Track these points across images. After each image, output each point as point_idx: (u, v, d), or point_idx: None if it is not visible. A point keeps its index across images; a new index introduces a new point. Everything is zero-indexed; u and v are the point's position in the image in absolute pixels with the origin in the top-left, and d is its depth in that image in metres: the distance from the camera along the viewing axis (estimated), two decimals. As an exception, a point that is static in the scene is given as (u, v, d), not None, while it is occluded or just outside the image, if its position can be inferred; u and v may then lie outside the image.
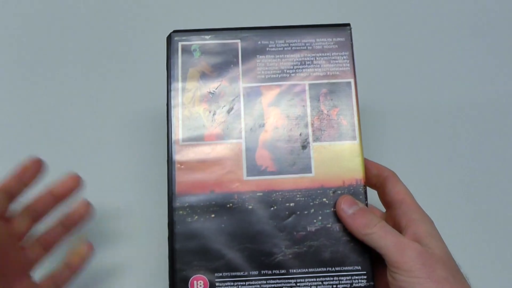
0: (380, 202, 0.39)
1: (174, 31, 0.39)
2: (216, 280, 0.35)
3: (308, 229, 0.36)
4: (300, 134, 0.37)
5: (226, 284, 0.35)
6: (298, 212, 0.36)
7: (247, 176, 0.36)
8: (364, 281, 0.35)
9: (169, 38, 0.39)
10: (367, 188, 0.38)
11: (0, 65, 0.51)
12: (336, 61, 0.38)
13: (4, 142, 0.49)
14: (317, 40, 0.39)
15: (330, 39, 0.39)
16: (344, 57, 0.39)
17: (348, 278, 0.35)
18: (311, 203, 0.36)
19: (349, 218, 0.35)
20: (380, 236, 0.33)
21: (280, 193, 0.36)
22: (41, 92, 0.50)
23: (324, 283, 0.35)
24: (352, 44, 0.39)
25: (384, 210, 0.39)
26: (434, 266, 0.32)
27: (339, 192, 0.36)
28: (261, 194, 0.36)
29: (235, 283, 0.35)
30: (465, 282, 0.33)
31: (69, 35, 0.52)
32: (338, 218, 0.36)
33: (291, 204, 0.36)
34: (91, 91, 0.50)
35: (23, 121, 0.49)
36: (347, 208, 0.35)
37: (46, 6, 0.53)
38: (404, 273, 0.32)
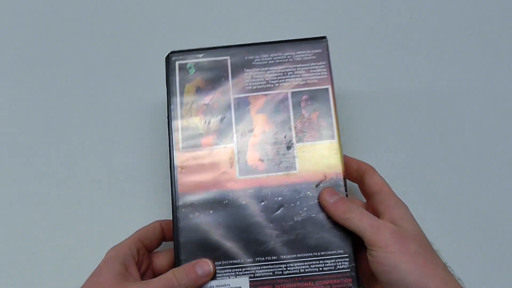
0: (361, 194, 0.44)
1: (172, 52, 0.44)
2: (216, 268, 0.39)
3: (295, 219, 0.40)
4: (285, 137, 0.42)
5: (225, 271, 0.39)
6: (285, 205, 0.40)
7: (240, 175, 0.41)
8: (347, 263, 0.39)
9: (168, 58, 0.44)
10: (349, 181, 0.43)
11: (1, 65, 0.55)
12: (315, 70, 0.43)
13: (4, 142, 0.52)
14: (297, 52, 0.44)
15: (309, 51, 0.44)
16: (322, 66, 0.43)
17: (332, 261, 0.39)
18: (297, 196, 0.40)
19: (331, 206, 0.39)
20: (358, 219, 0.37)
21: (269, 189, 0.41)
22: (44, 92, 0.54)
23: (311, 266, 0.39)
24: (328, 54, 0.44)
25: (365, 201, 0.43)
26: (407, 242, 0.36)
27: (321, 185, 0.40)
28: (252, 190, 0.41)
29: (233, 270, 0.39)
30: (436, 255, 0.37)
31: (70, 39, 0.56)
32: (321, 208, 0.40)
33: (279, 198, 0.40)
34: (93, 92, 0.54)
35: (23, 125, 0.53)
36: (329, 198, 0.39)
37: (47, 7, 0.57)
38: (380, 249, 0.36)
